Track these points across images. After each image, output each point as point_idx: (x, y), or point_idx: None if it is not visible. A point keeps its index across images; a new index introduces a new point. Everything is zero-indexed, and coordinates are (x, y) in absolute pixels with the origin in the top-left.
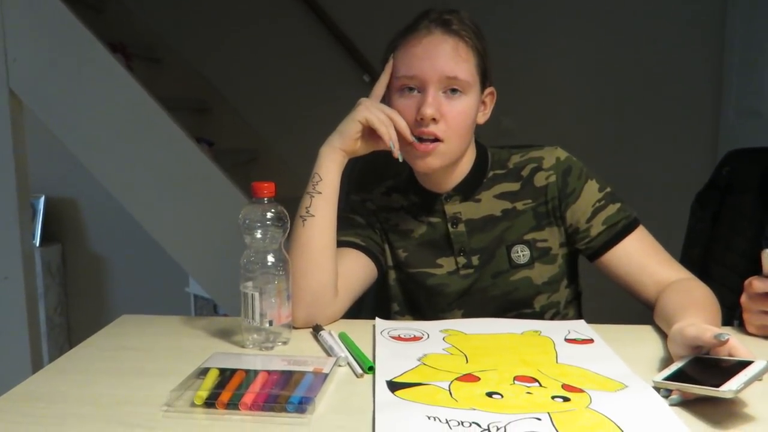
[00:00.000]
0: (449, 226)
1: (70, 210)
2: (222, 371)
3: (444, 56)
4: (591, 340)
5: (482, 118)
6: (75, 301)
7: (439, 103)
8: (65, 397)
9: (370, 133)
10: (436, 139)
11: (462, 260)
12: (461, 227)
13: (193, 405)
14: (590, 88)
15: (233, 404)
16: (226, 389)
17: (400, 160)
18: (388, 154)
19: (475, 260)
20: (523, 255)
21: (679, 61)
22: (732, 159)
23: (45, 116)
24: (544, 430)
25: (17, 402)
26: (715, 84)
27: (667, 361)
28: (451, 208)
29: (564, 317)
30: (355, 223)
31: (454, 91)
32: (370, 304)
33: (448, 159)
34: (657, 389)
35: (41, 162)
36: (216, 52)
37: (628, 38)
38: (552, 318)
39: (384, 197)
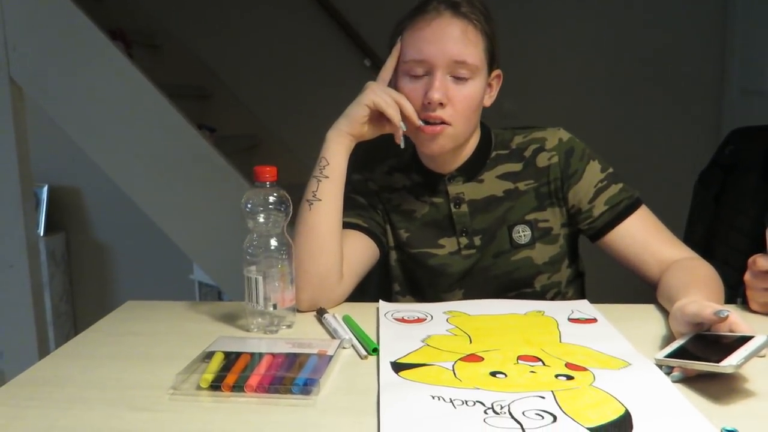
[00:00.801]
0: (452, 206)
1: (74, 199)
2: (227, 354)
3: (452, 40)
4: (594, 320)
5: (488, 100)
6: (80, 289)
7: (447, 87)
8: (72, 381)
9: (377, 116)
10: (443, 123)
11: (464, 241)
12: (464, 208)
13: (198, 388)
14: (592, 69)
15: (239, 387)
16: (231, 372)
17: (402, 146)
18: (390, 134)
19: (476, 240)
20: (525, 235)
21: (682, 40)
22: (735, 137)
23: (46, 104)
24: (548, 408)
25: (25, 386)
26: (718, 63)
27: (669, 339)
28: (454, 189)
29: (565, 297)
30: (357, 203)
31: (461, 75)
32: (373, 287)
33: (454, 142)
34: (659, 366)
35: (44, 151)
36: (216, 38)
37: (630, 18)
38: (553, 298)
39: (386, 177)
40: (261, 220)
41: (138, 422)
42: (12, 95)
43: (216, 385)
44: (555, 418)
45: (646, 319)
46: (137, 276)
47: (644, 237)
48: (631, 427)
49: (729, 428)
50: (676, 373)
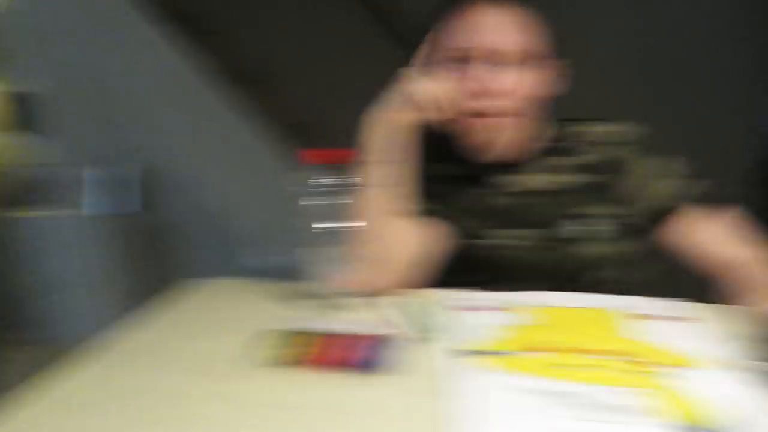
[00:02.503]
0: (500, 197)
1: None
2: (288, 333)
3: (496, 28)
4: (680, 318)
5: (542, 89)
6: (135, 268)
7: (490, 76)
8: (149, 349)
9: (420, 105)
10: (490, 113)
11: (513, 233)
12: (512, 199)
13: (262, 363)
14: (627, 63)
15: (301, 363)
16: (292, 349)
17: (449, 134)
18: (440, 124)
19: (525, 233)
20: (577, 229)
21: (720, 34)
22: None
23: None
24: (633, 403)
25: (107, 351)
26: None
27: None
28: (502, 180)
29: (621, 292)
30: (413, 192)
31: (505, 64)
32: (432, 275)
33: (503, 133)
34: (756, 370)
35: (102, 133)
36: (264, 29)
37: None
38: (609, 293)
39: (434, 166)
40: (315, 202)
41: (216, 391)
42: None
43: (281, 362)
44: (640, 414)
45: (732, 319)
46: (191, 257)
47: (704, 232)
48: (724, 429)
49: None
50: None
